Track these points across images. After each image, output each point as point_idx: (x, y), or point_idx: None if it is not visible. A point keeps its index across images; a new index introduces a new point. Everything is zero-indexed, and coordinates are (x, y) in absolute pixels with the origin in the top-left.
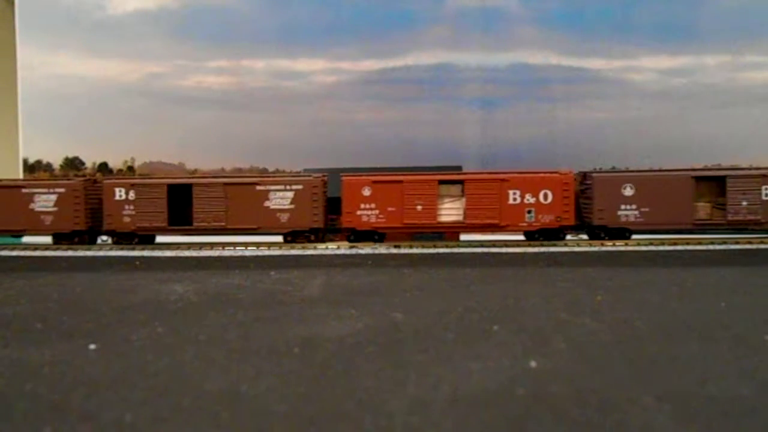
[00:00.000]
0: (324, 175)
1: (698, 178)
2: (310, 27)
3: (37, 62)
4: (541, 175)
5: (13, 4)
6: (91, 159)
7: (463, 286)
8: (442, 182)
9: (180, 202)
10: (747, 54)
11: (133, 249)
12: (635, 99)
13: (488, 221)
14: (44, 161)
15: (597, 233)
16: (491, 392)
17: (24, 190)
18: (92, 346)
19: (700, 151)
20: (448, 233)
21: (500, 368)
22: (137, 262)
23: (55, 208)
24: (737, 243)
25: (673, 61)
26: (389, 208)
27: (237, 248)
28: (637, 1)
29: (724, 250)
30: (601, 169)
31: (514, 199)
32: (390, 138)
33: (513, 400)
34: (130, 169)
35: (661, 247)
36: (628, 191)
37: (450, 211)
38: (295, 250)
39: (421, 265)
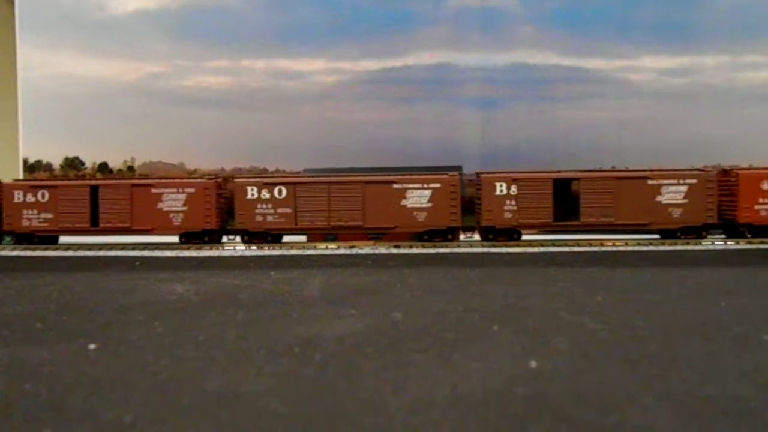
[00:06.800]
0: (712, 170)
1: None
2: (310, 27)
3: (37, 62)
4: None
5: (12, 4)
6: (91, 159)
7: (463, 286)
8: None
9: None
10: (747, 54)
11: (133, 249)
12: (635, 99)
13: None
14: (44, 161)
15: None
16: (491, 392)
17: (395, 186)
18: (92, 346)
19: (700, 151)
20: None
21: (500, 368)
22: (137, 262)
23: (429, 204)
24: (737, 243)
25: (673, 61)
26: None
27: (237, 248)
28: (637, 1)
29: (724, 250)
30: None
31: None
32: (390, 138)
33: (513, 400)
34: (130, 169)
35: (661, 247)
36: None
37: None
38: (295, 250)
39: (421, 265)
